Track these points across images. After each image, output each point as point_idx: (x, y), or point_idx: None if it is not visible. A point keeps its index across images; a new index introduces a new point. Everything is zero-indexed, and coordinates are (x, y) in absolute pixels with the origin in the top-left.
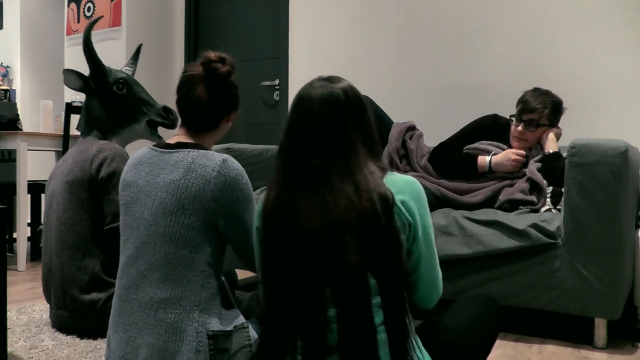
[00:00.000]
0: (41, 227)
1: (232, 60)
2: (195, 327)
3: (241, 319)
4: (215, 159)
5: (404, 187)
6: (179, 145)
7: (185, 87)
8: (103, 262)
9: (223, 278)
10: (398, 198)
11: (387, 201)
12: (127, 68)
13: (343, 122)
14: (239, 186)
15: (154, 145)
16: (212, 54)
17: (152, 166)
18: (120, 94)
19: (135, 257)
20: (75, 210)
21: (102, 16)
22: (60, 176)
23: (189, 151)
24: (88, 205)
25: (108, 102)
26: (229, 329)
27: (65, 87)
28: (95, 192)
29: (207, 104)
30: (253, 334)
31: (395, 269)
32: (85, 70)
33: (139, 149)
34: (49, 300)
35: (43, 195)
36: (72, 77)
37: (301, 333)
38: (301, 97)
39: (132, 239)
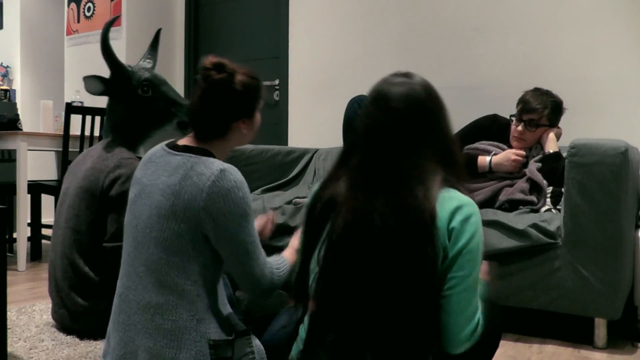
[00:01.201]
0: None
1: (234, 66)
2: (194, 337)
3: (241, 326)
4: (214, 168)
5: (452, 208)
6: (185, 149)
7: (191, 93)
8: (104, 271)
9: (226, 281)
10: (441, 217)
11: (425, 222)
12: (147, 61)
13: (425, 120)
14: (232, 199)
15: (165, 144)
16: (209, 61)
17: (157, 166)
18: (146, 97)
19: (133, 257)
20: (83, 219)
21: (119, 15)
22: (77, 176)
23: (191, 156)
24: (95, 217)
25: (134, 106)
26: (230, 337)
27: (66, 87)
28: (103, 206)
29: (206, 112)
30: (256, 341)
31: (426, 287)
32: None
33: None
34: (52, 296)
35: (44, 195)
36: (93, 82)
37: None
38: (380, 92)
39: (131, 237)
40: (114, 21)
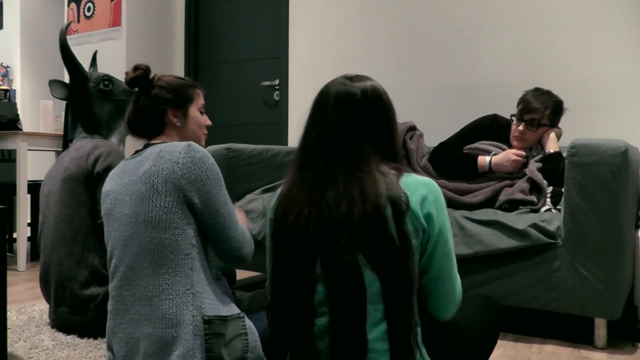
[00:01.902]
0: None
1: (146, 65)
2: (191, 311)
3: (236, 309)
4: (180, 144)
5: (419, 189)
6: (146, 146)
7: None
8: (101, 257)
9: (222, 276)
10: (412, 200)
11: (399, 205)
12: (91, 71)
13: (353, 123)
14: (205, 165)
15: (124, 160)
16: (130, 69)
17: (125, 171)
18: (108, 90)
19: (122, 255)
20: (73, 206)
21: (72, 21)
22: (55, 176)
23: (156, 145)
24: (85, 200)
25: (98, 102)
26: (225, 314)
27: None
28: (91, 187)
29: (134, 113)
30: (249, 323)
31: (401, 275)
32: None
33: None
34: (48, 299)
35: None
36: (57, 87)
37: (292, 336)
38: (320, 93)
39: (117, 239)
40: (68, 26)
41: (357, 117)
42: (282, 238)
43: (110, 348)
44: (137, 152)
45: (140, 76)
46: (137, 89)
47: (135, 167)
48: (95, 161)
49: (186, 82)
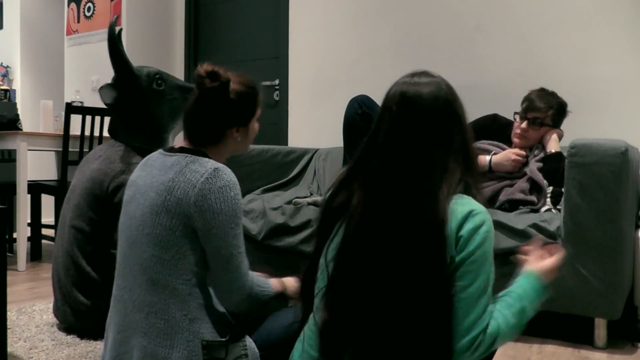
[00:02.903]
0: None
1: (229, 75)
2: (186, 337)
3: (236, 328)
4: (208, 166)
5: (463, 216)
6: (181, 150)
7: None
8: (107, 270)
9: None
10: (452, 226)
11: (437, 230)
12: None
13: (451, 124)
14: (223, 197)
15: (161, 151)
16: (203, 69)
17: (153, 168)
18: (161, 90)
19: (127, 256)
20: (86, 221)
21: (119, 15)
22: (84, 174)
23: (187, 155)
24: (99, 220)
25: (152, 102)
26: (224, 338)
27: (66, 87)
28: (107, 211)
29: (199, 118)
30: (250, 344)
31: (428, 302)
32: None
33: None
34: (54, 293)
35: (44, 195)
36: (107, 91)
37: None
38: (405, 93)
39: (125, 237)
40: (116, 20)
41: (449, 117)
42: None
43: (105, 343)
44: (172, 149)
45: (218, 88)
46: (194, 88)
47: (160, 168)
48: (117, 189)
49: (254, 91)
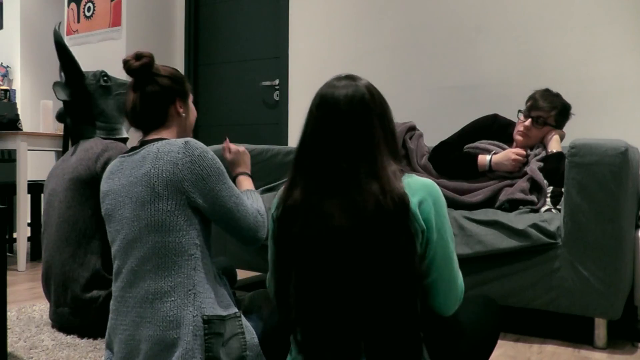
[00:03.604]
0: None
1: (150, 53)
2: (191, 312)
3: (234, 309)
4: (178, 142)
5: (419, 190)
6: (143, 144)
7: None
8: (104, 259)
9: (225, 281)
10: (412, 202)
11: (404, 204)
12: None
13: (369, 119)
14: (205, 162)
15: (120, 156)
16: (127, 56)
17: (123, 170)
18: (108, 85)
19: (125, 258)
20: (78, 208)
21: (61, 22)
22: (61, 175)
23: (153, 144)
24: (91, 203)
25: (101, 98)
26: (223, 314)
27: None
28: (98, 190)
29: (140, 102)
30: (246, 322)
31: (407, 274)
32: (84, 70)
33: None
34: (49, 298)
35: (43, 195)
36: (60, 89)
37: (328, 337)
38: (324, 96)
39: (119, 241)
40: (60, 25)
41: (370, 115)
42: (305, 245)
43: (109, 347)
44: (133, 148)
45: (146, 64)
46: (133, 79)
47: (133, 167)
48: (105, 164)
49: (181, 74)
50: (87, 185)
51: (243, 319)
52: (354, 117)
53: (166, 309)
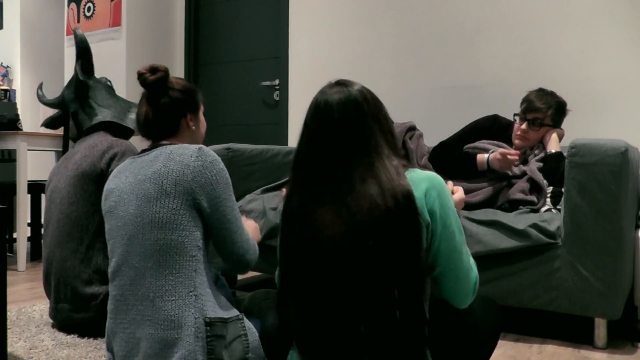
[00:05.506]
0: None
1: (165, 67)
2: (193, 313)
3: (235, 311)
4: (192, 147)
5: (423, 182)
6: (155, 146)
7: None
8: (106, 256)
9: (223, 282)
10: (417, 195)
11: (410, 200)
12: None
13: (364, 122)
14: (215, 169)
15: (131, 157)
16: (143, 68)
17: (132, 169)
18: (111, 86)
19: (125, 255)
20: (81, 204)
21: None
22: (64, 172)
23: (166, 146)
24: (95, 199)
25: (109, 93)
26: (225, 316)
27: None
28: (103, 186)
29: (153, 114)
30: (248, 324)
31: (413, 268)
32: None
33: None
34: (49, 295)
35: (43, 195)
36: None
37: (329, 341)
38: (318, 105)
39: (120, 238)
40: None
41: (364, 117)
42: (301, 253)
43: (110, 349)
44: (144, 150)
45: (161, 79)
46: (147, 92)
47: (143, 166)
48: (110, 161)
49: (194, 87)
50: (91, 182)
51: (245, 320)
52: (348, 123)
53: (167, 308)
